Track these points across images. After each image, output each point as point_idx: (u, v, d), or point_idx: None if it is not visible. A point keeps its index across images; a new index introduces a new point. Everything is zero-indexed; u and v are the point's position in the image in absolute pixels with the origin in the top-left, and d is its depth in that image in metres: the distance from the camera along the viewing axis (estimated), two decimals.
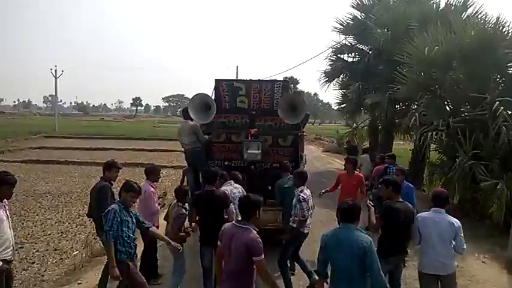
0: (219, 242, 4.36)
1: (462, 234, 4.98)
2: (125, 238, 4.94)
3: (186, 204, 6.33)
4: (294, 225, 6.35)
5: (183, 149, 8.71)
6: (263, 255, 4.03)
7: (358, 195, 7.76)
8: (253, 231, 4.11)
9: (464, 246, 4.98)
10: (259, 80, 9.29)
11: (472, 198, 10.68)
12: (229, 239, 4.12)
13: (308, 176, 6.59)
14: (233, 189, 6.35)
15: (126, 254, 4.93)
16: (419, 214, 5.19)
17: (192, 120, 8.18)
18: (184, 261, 6.21)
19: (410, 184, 7.76)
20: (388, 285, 4.38)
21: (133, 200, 5.32)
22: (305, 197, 6.27)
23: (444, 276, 4.93)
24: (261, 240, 4.05)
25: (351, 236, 4.00)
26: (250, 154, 7.88)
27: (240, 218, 5.75)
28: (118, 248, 4.87)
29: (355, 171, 8.36)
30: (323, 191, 8.27)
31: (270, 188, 7.45)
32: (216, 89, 8.51)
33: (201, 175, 8.02)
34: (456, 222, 4.98)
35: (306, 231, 6.39)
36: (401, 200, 5.35)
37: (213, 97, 8.28)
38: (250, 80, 8.95)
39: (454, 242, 4.95)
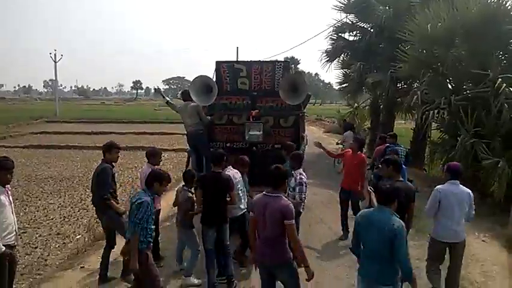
0: (251, 213, 4.64)
1: (473, 206, 5.40)
2: (149, 229, 4.90)
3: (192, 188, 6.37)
4: None
5: (185, 131, 8.75)
6: (294, 220, 4.26)
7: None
8: (284, 197, 4.37)
9: (473, 215, 5.40)
10: (260, 61, 9.24)
11: (473, 176, 10.64)
12: (263, 207, 4.32)
13: (305, 157, 6.58)
14: (235, 174, 6.32)
15: (146, 243, 4.91)
16: (439, 187, 5.43)
17: (192, 101, 8.19)
18: (197, 242, 6.25)
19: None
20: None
21: (164, 189, 5.29)
22: (305, 180, 6.31)
23: (456, 243, 5.28)
24: (292, 206, 4.30)
25: (384, 218, 4.02)
26: (252, 135, 7.92)
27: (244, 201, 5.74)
28: (141, 239, 4.84)
29: (359, 152, 8.31)
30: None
31: None
32: (217, 70, 8.47)
33: (204, 157, 8.24)
34: (470, 192, 5.40)
35: (301, 211, 6.45)
36: (401, 179, 5.36)
37: (214, 79, 8.25)
38: (251, 61, 8.88)
39: (468, 212, 5.37)
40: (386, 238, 3.92)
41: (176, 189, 7.18)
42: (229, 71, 8.44)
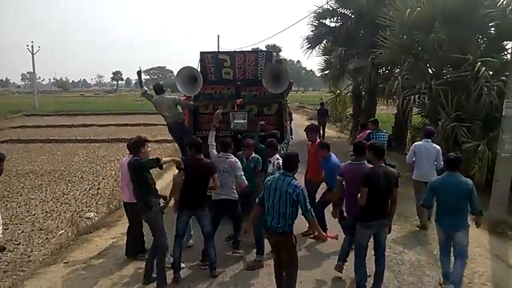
0: (339, 177, 5.88)
1: (441, 157, 7.48)
2: None
3: None
4: None
5: (165, 123, 8.87)
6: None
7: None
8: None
9: (442, 163, 7.08)
10: (243, 51, 9.41)
11: None
12: (353, 172, 5.57)
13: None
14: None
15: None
16: (416, 143, 8.41)
17: (163, 94, 8.69)
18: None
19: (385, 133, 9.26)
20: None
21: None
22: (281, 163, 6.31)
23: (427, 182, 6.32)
24: None
25: (457, 180, 5.36)
26: (237, 124, 8.11)
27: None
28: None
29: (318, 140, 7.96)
30: None
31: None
32: (201, 61, 8.60)
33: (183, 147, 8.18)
34: (437, 147, 7.84)
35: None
36: (383, 164, 5.43)
37: (198, 69, 8.37)
38: (235, 51, 9.12)
39: (436, 161, 7.69)
40: (462, 195, 5.31)
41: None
42: (213, 61, 8.58)
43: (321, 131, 20.63)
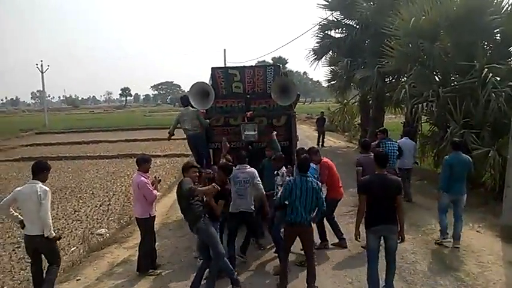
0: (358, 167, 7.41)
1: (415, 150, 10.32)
2: None
3: None
4: None
5: (185, 135, 9.45)
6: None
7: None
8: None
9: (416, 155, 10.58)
10: (252, 66, 9.98)
11: None
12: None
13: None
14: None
15: None
16: (399, 140, 10.38)
17: (191, 106, 8.90)
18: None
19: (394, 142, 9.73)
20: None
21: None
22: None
23: (407, 168, 10.11)
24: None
25: (463, 156, 7.40)
26: (248, 135, 8.43)
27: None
28: None
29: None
30: None
31: None
32: (212, 76, 8.95)
33: (203, 156, 9.10)
34: (414, 143, 10.36)
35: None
36: (385, 172, 5.48)
37: (210, 84, 8.79)
38: (244, 66, 9.76)
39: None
40: (467, 167, 7.37)
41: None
42: (224, 76, 8.91)
43: (321, 139, 21.44)
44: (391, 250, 5.43)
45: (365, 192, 5.39)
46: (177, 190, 6.06)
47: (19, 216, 5.90)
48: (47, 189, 5.78)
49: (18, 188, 5.87)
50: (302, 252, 6.18)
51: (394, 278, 5.53)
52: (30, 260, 6.03)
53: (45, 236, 5.60)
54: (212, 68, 9.01)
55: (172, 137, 10.12)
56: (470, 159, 7.50)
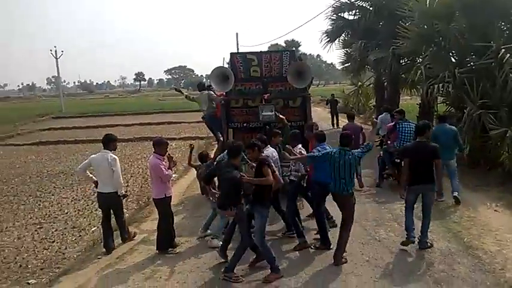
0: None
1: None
2: None
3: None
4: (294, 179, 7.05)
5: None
6: None
7: None
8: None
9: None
10: (269, 51, 11.10)
11: (482, 147, 10.65)
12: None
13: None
14: (272, 152, 6.86)
15: None
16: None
17: (206, 90, 10.50)
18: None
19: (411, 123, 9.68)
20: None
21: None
22: (304, 152, 6.96)
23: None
24: None
25: (447, 128, 8.70)
26: (265, 116, 9.03)
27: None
28: None
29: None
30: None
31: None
32: (231, 61, 9.75)
33: (218, 132, 10.33)
34: (454, 129, 9.03)
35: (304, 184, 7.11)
36: (424, 140, 6.55)
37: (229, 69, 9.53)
38: (261, 51, 10.55)
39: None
40: (451, 137, 8.59)
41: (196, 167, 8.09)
42: (242, 61, 9.67)
43: (336, 120, 21.92)
44: (427, 205, 6.49)
45: (408, 156, 6.54)
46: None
47: (93, 177, 7.32)
48: (116, 157, 7.12)
49: (93, 156, 7.32)
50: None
51: (428, 229, 6.50)
52: (101, 214, 7.44)
53: (119, 194, 7.07)
54: (231, 54, 9.86)
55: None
56: (455, 129, 8.79)
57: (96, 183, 7.24)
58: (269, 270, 5.84)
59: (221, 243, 6.62)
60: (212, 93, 10.29)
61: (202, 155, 7.93)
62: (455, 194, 8.45)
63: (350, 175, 6.09)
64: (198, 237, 7.37)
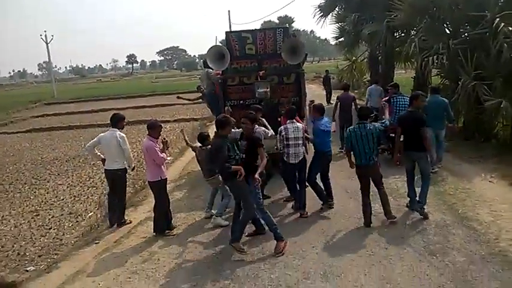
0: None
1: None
2: None
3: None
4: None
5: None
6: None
7: None
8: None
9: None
10: (263, 29, 11.09)
11: (477, 119, 10.63)
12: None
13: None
14: (265, 130, 7.32)
15: None
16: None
17: (207, 68, 10.40)
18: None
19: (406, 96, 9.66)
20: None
21: None
22: (280, 129, 7.15)
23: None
24: None
25: (439, 99, 8.92)
26: (261, 92, 9.19)
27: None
28: None
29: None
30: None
31: (278, 119, 8.42)
32: (227, 40, 9.96)
33: (214, 113, 10.35)
34: (445, 100, 9.07)
35: (291, 162, 7.07)
36: (411, 110, 6.97)
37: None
38: (256, 29, 11.01)
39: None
40: (442, 106, 8.79)
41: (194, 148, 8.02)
42: (237, 39, 9.82)
43: (329, 95, 22.09)
44: (423, 169, 6.81)
45: (400, 125, 6.98)
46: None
47: (101, 155, 7.56)
48: (124, 135, 7.39)
49: (102, 134, 7.51)
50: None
51: (427, 195, 6.77)
52: (108, 188, 7.88)
53: (131, 167, 7.73)
54: (226, 32, 10.21)
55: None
56: (446, 100, 9.04)
57: (103, 161, 7.53)
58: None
59: (225, 222, 6.83)
60: (211, 71, 10.31)
61: (203, 135, 7.61)
62: (439, 165, 9.01)
63: (373, 145, 6.46)
64: (204, 217, 7.45)
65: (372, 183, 6.69)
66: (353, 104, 11.07)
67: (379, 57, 19.18)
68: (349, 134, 6.64)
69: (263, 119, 7.63)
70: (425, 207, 6.68)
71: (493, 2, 10.44)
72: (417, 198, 6.79)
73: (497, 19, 9.82)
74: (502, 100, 9.42)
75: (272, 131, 7.53)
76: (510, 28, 9.77)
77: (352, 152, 6.65)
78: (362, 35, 17.59)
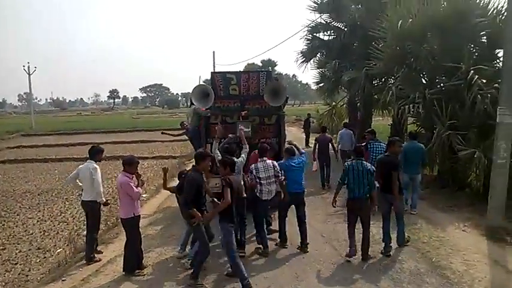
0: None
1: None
2: None
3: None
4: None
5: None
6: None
7: None
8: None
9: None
10: (247, 71, 11.81)
11: (451, 168, 10.82)
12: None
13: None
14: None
15: None
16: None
17: (192, 106, 10.66)
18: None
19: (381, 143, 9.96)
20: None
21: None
22: (251, 168, 7.34)
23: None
24: None
25: (416, 145, 9.37)
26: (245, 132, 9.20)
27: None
28: None
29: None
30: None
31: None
32: (212, 79, 10.30)
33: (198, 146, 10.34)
34: (421, 146, 9.62)
35: (263, 198, 7.26)
36: (387, 154, 7.47)
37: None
38: (240, 71, 11.25)
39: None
40: (419, 153, 9.27)
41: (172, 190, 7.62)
42: (222, 79, 10.16)
43: (307, 138, 23.10)
44: (396, 212, 7.26)
45: (377, 168, 7.19)
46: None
47: (82, 186, 7.54)
48: (97, 166, 7.42)
49: (80, 166, 7.57)
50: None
51: (404, 229, 7.36)
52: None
53: (98, 201, 7.40)
54: (212, 73, 10.51)
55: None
56: (423, 147, 9.59)
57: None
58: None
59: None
60: (198, 107, 10.44)
61: (183, 173, 7.24)
62: (414, 211, 9.31)
63: (367, 181, 6.77)
64: (177, 257, 7.26)
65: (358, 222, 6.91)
66: (330, 144, 12.09)
67: (358, 104, 19.56)
68: (348, 168, 6.93)
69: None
70: (398, 256, 6.67)
71: (467, 55, 10.83)
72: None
73: (472, 71, 10.16)
74: (476, 150, 9.62)
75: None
76: (484, 81, 10.13)
77: (346, 186, 6.95)
78: (342, 81, 17.96)
